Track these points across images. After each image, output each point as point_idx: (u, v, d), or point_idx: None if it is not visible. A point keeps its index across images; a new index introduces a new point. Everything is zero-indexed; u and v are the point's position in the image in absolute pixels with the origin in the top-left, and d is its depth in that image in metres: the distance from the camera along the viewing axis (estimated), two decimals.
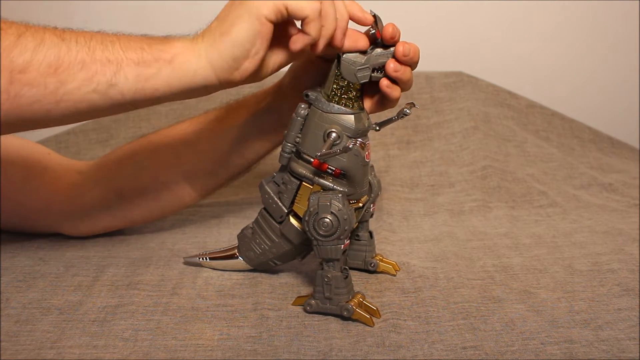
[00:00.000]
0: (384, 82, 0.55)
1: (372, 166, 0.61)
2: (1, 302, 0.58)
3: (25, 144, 0.75)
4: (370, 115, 0.59)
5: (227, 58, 0.51)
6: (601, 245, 0.72)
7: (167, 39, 0.53)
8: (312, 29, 0.51)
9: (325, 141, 0.55)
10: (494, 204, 0.89)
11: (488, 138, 1.02)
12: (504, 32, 1.19)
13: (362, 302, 0.55)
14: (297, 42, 0.52)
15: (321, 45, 0.53)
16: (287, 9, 0.50)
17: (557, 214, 0.86)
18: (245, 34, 0.50)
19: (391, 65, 0.55)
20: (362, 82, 0.55)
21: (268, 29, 0.50)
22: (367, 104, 0.60)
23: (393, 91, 0.56)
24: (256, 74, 0.53)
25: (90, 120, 1.04)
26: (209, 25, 0.53)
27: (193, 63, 0.51)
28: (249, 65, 0.52)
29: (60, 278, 0.63)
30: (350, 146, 0.52)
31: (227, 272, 0.65)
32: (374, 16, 0.54)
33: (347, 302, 0.54)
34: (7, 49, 0.47)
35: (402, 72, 0.55)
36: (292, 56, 0.55)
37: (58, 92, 0.49)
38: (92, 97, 0.50)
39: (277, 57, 0.54)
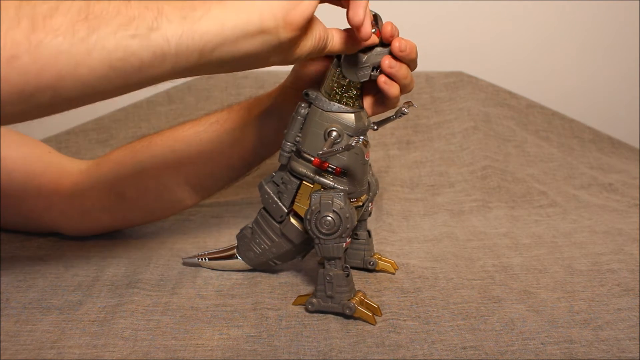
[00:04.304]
0: (381, 79, 0.55)
1: (370, 165, 0.61)
2: (1, 302, 0.58)
3: (26, 141, 0.75)
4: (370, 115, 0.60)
5: None
6: (601, 245, 0.72)
7: None
8: None
9: (326, 140, 0.55)
10: (494, 204, 0.89)
11: (488, 138, 1.02)
12: (504, 32, 1.19)
13: (363, 300, 0.56)
14: (357, 9, 0.49)
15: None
16: None
17: (557, 214, 0.86)
18: None
19: (386, 61, 0.55)
20: (362, 80, 0.55)
21: None
22: (368, 104, 0.60)
23: (390, 88, 0.56)
24: (308, 30, 0.49)
25: (90, 120, 1.04)
26: None
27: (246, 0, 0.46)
28: (307, 6, 0.47)
29: (60, 278, 0.63)
30: (353, 144, 0.52)
31: (227, 272, 0.65)
32: (375, 15, 0.54)
33: (349, 300, 0.54)
34: None
35: (397, 68, 0.55)
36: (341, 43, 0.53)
37: (89, 39, 0.41)
38: (130, 44, 0.42)
39: (321, 31, 0.51)
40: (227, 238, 0.76)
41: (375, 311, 0.55)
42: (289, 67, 0.64)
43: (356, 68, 0.54)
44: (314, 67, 0.61)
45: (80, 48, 0.41)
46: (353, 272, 0.63)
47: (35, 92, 0.41)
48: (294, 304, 0.58)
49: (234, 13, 0.45)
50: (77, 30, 0.40)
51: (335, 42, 0.52)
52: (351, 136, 0.55)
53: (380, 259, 0.65)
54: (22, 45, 0.39)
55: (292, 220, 0.59)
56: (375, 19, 0.54)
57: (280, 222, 0.60)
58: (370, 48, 0.55)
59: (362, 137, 0.54)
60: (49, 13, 0.40)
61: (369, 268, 0.64)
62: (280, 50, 0.48)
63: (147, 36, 0.42)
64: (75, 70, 0.41)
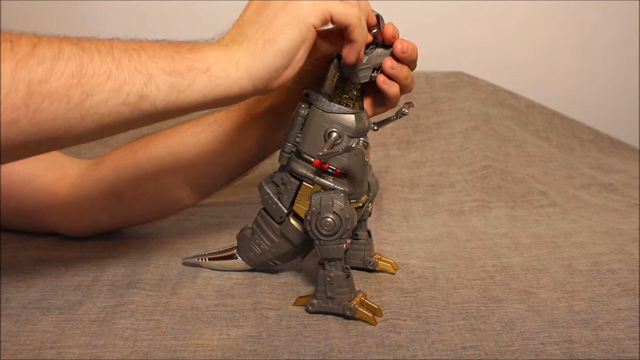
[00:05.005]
0: (380, 78, 0.56)
1: (370, 166, 0.61)
2: (1, 302, 0.58)
3: None
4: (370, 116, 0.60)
5: (269, 68, 0.49)
6: (601, 245, 0.72)
7: (195, 46, 0.49)
8: (358, 35, 0.51)
9: (326, 141, 0.55)
10: (494, 204, 0.89)
11: (488, 138, 1.02)
12: (504, 32, 1.19)
13: (364, 301, 0.56)
14: (351, 53, 0.51)
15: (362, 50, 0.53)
16: (332, 17, 0.49)
17: (557, 214, 0.86)
18: (293, 43, 0.48)
19: (388, 63, 0.55)
20: (362, 81, 0.55)
21: (313, 36, 0.49)
22: (368, 105, 0.60)
23: (390, 87, 0.56)
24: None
25: None
26: (244, 31, 0.50)
27: (231, 74, 0.48)
28: (289, 74, 0.50)
29: (60, 278, 0.63)
30: (354, 145, 0.52)
31: (227, 272, 0.65)
32: (378, 16, 0.54)
33: (349, 301, 0.54)
34: (23, 59, 0.42)
35: (399, 70, 0.55)
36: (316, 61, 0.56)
37: (83, 106, 0.44)
38: (121, 111, 0.45)
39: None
40: (227, 238, 0.76)
41: (376, 312, 0.55)
42: None
43: (356, 69, 0.55)
44: (314, 68, 0.61)
45: (75, 114, 0.44)
46: (353, 272, 0.63)
47: (32, 146, 0.45)
48: (294, 304, 0.58)
49: (216, 87, 0.48)
50: (71, 96, 0.43)
51: (323, 46, 0.54)
52: (351, 137, 0.55)
53: (380, 259, 0.65)
54: (21, 110, 0.42)
55: (292, 221, 0.59)
56: (378, 19, 0.54)
57: (280, 223, 0.60)
58: (371, 49, 0.55)
59: (362, 138, 0.54)
60: (44, 77, 0.42)
61: (369, 268, 0.64)
62: (262, 94, 0.53)
63: (137, 104, 0.46)
64: (70, 131, 0.45)
